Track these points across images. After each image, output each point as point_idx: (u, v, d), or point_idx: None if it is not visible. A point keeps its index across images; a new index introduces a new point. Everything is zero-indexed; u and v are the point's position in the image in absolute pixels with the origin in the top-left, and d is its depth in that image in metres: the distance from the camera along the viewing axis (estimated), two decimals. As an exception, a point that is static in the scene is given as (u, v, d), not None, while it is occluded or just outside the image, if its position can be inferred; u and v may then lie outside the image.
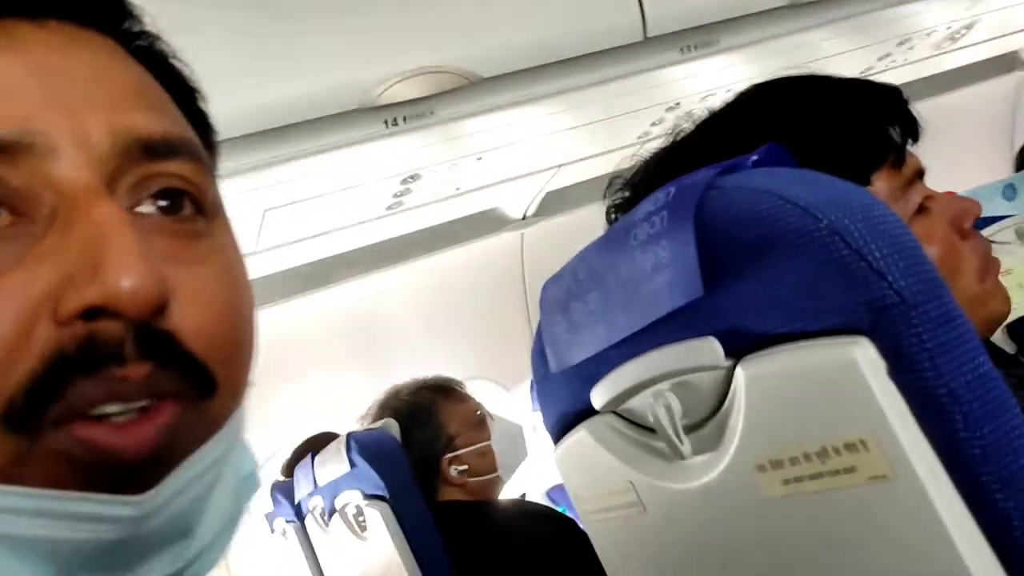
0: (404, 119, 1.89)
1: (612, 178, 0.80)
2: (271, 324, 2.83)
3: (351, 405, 2.15)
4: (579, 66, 1.91)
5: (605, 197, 0.80)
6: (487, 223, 2.92)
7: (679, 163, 0.72)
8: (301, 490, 2.18)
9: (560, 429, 0.78)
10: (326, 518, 1.99)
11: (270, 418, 2.93)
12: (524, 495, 2.03)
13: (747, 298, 0.55)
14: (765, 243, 0.53)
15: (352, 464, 1.70)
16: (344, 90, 1.77)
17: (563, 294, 0.70)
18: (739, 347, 0.56)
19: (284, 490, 2.41)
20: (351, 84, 1.77)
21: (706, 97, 2.24)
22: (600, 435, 0.71)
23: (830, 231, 0.50)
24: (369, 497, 1.67)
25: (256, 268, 2.47)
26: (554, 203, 2.89)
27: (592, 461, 0.72)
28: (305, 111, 1.76)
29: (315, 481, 1.97)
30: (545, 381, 0.77)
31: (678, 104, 2.26)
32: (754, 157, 0.58)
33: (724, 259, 0.55)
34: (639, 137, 2.39)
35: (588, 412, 0.72)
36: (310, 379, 2.97)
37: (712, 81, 2.16)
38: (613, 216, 0.80)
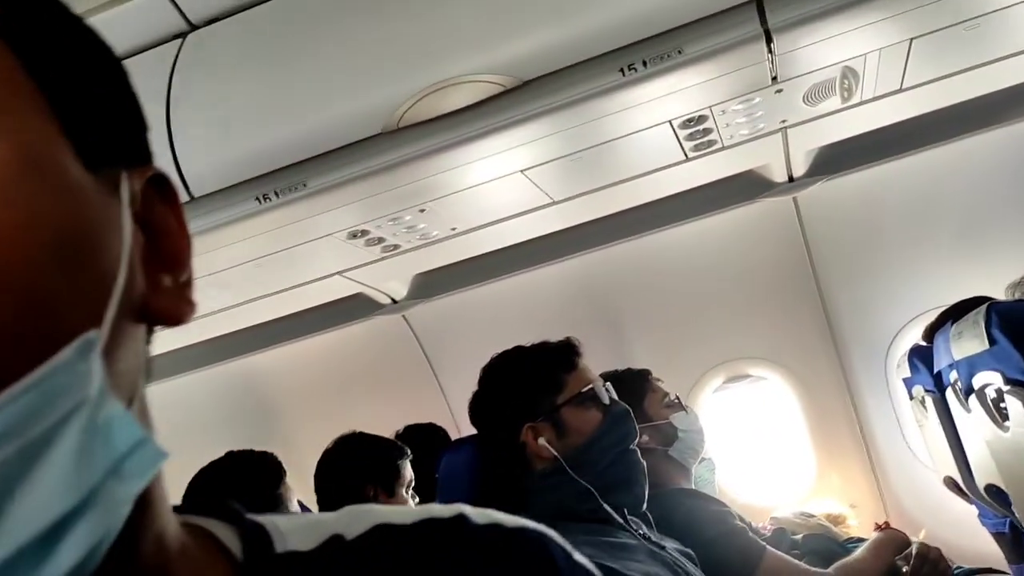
0: None
1: None
2: (912, 177, 2.53)
3: (1007, 270, 1.81)
4: None
5: None
6: None
7: None
8: (940, 359, 1.94)
9: None
10: (964, 396, 1.74)
11: (909, 278, 2.67)
12: None
13: None
14: None
15: (992, 341, 1.41)
16: None
17: None
18: None
19: (922, 356, 2.19)
20: None
21: None
22: None
23: None
24: (1012, 383, 1.38)
25: (898, 111, 2.18)
26: None
27: None
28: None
29: (952, 353, 1.71)
30: None
31: None
32: None
33: None
34: None
35: None
36: (962, 235, 2.60)
37: None
38: None
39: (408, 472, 2.13)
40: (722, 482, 2.72)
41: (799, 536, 2.09)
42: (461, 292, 2.85)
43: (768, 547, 1.79)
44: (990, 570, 1.88)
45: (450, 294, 2.86)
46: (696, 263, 2.84)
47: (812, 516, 2.54)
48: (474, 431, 1.63)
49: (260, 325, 2.82)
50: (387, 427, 2.72)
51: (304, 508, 1.81)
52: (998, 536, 2.19)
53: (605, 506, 1.45)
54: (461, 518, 0.50)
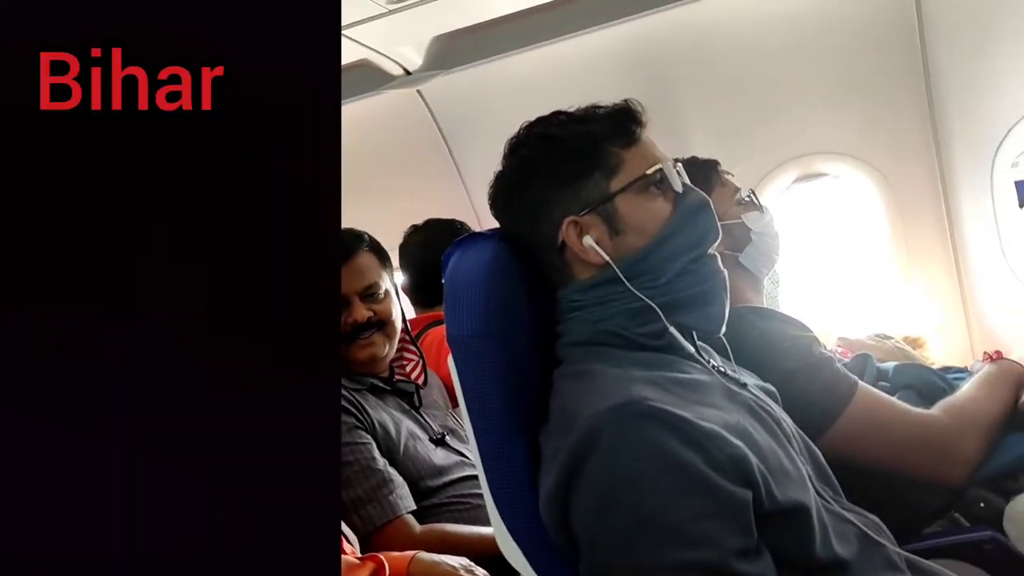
0: None
1: None
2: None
3: None
4: None
5: None
6: None
7: None
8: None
9: None
10: None
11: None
12: None
13: None
14: None
15: None
16: None
17: None
18: None
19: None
20: None
21: None
22: None
23: None
24: None
25: None
26: None
27: None
28: None
29: None
30: None
31: None
32: None
33: None
34: None
35: None
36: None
37: None
38: None
39: None
40: (783, 297, 2.36)
41: (888, 365, 1.73)
42: (486, 63, 2.38)
43: (860, 383, 1.43)
44: None
45: (473, 65, 2.38)
46: (772, 30, 2.32)
47: (889, 338, 2.17)
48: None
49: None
50: (400, 221, 2.37)
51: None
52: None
53: (671, 329, 1.07)
54: None
